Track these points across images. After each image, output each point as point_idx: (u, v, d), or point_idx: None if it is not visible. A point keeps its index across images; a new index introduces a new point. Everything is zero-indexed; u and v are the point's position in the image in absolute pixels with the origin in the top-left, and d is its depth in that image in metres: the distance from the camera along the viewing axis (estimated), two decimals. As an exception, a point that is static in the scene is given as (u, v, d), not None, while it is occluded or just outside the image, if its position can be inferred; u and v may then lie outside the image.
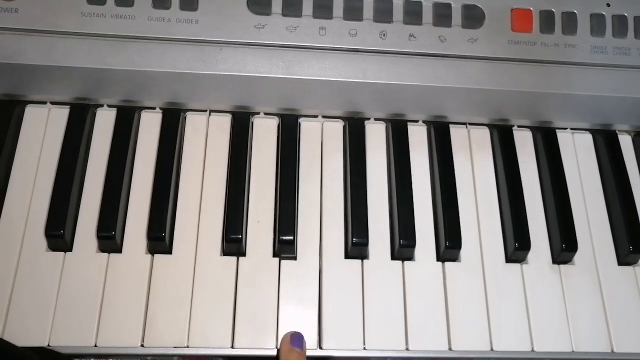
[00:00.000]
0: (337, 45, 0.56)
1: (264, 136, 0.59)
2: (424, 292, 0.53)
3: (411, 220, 0.55)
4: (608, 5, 0.58)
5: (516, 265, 0.56)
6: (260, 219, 0.55)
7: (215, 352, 0.50)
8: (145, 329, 0.50)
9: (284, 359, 0.49)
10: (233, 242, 0.53)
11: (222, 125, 0.59)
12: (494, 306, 0.53)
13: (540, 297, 0.54)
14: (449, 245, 0.55)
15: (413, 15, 0.56)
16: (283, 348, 0.49)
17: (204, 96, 0.57)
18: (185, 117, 0.59)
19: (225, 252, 0.54)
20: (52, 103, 0.58)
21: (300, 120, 0.60)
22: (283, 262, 0.53)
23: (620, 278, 0.56)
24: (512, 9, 0.58)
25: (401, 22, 0.56)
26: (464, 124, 0.61)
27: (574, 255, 0.56)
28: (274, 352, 0.50)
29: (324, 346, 0.51)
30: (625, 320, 0.54)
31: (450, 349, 0.52)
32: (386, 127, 0.61)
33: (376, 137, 0.60)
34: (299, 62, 0.55)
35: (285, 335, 0.50)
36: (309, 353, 0.50)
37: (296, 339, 0.50)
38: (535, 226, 0.57)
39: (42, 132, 0.57)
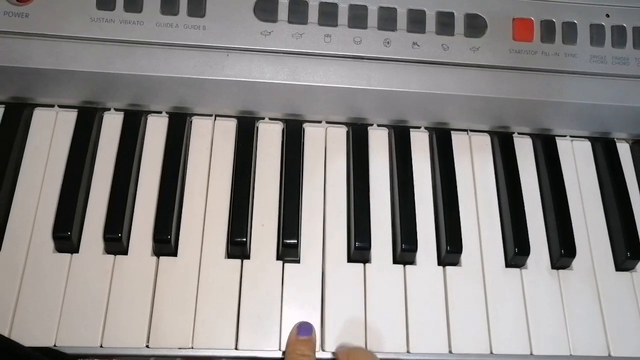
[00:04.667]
0: (342, 53, 0.56)
1: (269, 141, 0.59)
2: (425, 296, 0.54)
3: (413, 225, 0.56)
4: (607, 15, 0.59)
5: (516, 270, 0.56)
6: (264, 222, 0.56)
7: (220, 353, 0.51)
8: (150, 330, 0.51)
9: (290, 351, 0.49)
10: (238, 245, 0.54)
11: (228, 129, 0.59)
12: (494, 310, 0.54)
13: (539, 301, 0.55)
14: (450, 249, 0.55)
15: (416, 23, 0.57)
16: (290, 340, 0.50)
17: (209, 101, 0.58)
18: (191, 122, 0.60)
19: (230, 254, 0.54)
20: (60, 106, 0.59)
21: (305, 125, 0.61)
22: (287, 265, 0.54)
23: (617, 283, 0.57)
24: (513, 19, 0.58)
25: (405, 30, 0.57)
26: (465, 130, 0.62)
27: (572, 260, 0.57)
28: (277, 354, 0.51)
29: (326, 348, 0.52)
30: (622, 325, 0.55)
31: (450, 352, 0.53)
32: (389, 133, 0.61)
33: (379, 143, 0.61)
34: (304, 68, 0.56)
35: (292, 328, 0.51)
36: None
37: (303, 328, 0.51)
38: (534, 232, 0.58)
39: (50, 135, 0.57)
